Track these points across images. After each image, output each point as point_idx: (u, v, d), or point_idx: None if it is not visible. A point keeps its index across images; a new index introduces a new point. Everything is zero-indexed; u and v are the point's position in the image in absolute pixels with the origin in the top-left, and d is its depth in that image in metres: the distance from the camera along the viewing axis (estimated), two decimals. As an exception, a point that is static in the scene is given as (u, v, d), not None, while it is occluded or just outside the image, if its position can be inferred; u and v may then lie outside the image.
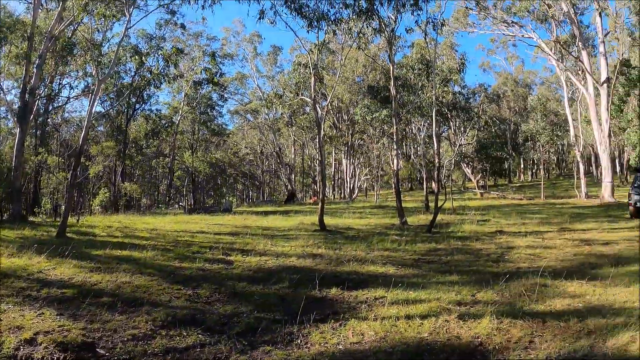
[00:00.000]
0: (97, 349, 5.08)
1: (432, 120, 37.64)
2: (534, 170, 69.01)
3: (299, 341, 5.40)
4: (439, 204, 15.53)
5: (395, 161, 18.48)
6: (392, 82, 17.38)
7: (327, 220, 18.44)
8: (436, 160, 17.38)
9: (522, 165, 69.43)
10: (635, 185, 17.49)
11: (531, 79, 63.87)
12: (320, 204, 16.62)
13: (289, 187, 49.09)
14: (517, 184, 55.00)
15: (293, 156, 56.41)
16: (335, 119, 50.06)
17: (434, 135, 16.56)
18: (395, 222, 17.15)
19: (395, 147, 17.69)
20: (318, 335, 5.48)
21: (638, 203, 17.13)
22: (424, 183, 17.67)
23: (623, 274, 8.01)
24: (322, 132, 49.67)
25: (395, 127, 16.98)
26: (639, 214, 17.81)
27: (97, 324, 5.70)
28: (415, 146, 35.44)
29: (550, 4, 31.21)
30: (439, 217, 18.96)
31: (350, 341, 5.34)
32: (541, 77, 63.16)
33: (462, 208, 22.09)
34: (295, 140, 53.79)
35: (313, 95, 18.68)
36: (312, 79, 18.81)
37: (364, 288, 7.49)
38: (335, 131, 50.03)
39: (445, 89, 39.26)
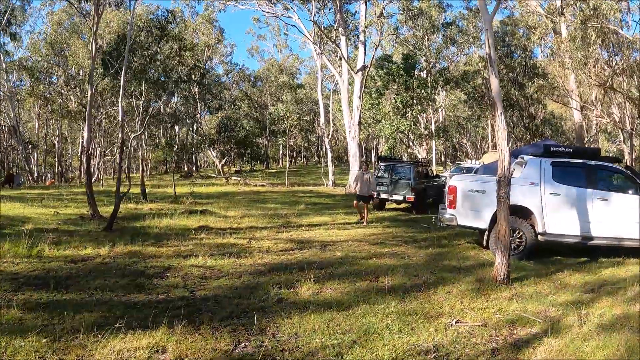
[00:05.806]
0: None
1: (163, 93, 34.51)
2: (293, 157, 71.08)
3: None
4: (122, 190, 12.25)
5: (86, 136, 14.56)
6: (92, 37, 13.20)
7: (22, 209, 14.21)
8: (119, 136, 13.88)
9: (281, 152, 70.90)
10: (378, 175, 16.98)
11: (296, 67, 65.26)
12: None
13: (27, 168, 41.40)
14: (275, 170, 55.40)
15: (37, 132, 47.23)
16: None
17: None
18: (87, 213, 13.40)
19: (86, 119, 13.65)
20: None
21: (382, 194, 16.62)
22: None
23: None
24: (67, 105, 42.31)
25: (89, 93, 13.02)
26: (381, 205, 17.32)
27: None
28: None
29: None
30: (147, 206, 15.94)
31: None
32: (307, 66, 65.19)
33: (189, 195, 19.32)
34: (39, 113, 44.90)
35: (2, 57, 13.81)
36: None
37: None
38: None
39: (198, 65, 36.47)
